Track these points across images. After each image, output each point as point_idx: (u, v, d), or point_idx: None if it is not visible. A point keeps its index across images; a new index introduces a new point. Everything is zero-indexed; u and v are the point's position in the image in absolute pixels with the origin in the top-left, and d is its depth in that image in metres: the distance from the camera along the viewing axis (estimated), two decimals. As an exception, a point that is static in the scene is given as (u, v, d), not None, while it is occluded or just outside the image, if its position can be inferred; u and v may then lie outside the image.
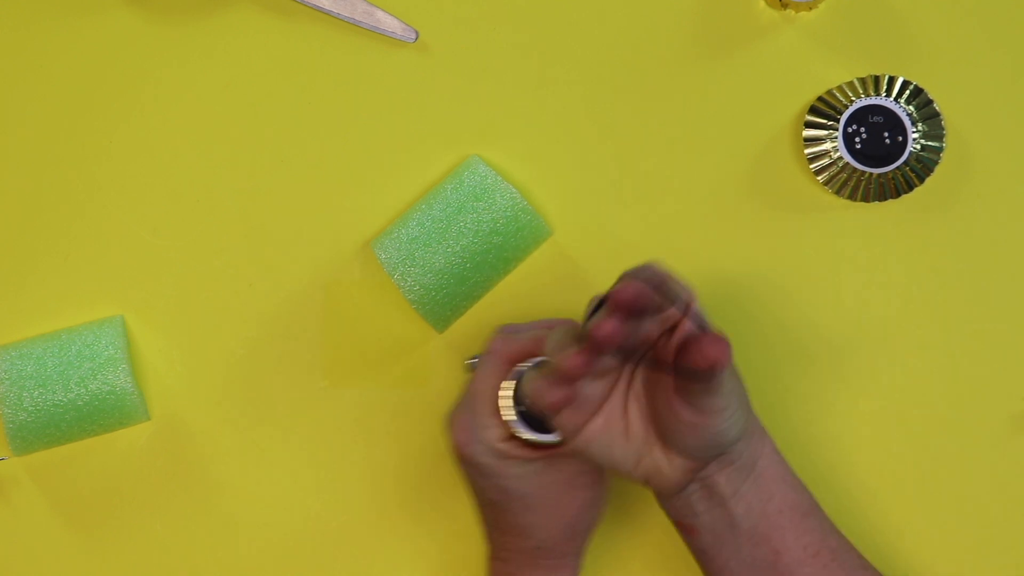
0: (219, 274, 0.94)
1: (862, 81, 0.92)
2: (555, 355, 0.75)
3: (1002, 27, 0.94)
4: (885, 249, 0.93)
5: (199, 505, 0.93)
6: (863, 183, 0.92)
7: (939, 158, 0.92)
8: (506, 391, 0.81)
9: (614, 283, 0.74)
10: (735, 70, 0.94)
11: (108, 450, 0.93)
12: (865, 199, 0.92)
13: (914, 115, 0.91)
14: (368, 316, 0.94)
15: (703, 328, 0.75)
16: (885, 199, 0.92)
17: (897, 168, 0.91)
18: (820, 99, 0.93)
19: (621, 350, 0.75)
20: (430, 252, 0.90)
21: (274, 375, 0.94)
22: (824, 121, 0.92)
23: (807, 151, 0.92)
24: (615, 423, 0.78)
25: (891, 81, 0.92)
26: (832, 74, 0.93)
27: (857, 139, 0.91)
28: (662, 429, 0.78)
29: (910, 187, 0.92)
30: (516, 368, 0.82)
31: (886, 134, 0.91)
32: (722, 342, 0.73)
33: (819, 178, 0.92)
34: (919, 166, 0.91)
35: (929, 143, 0.91)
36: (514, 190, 0.90)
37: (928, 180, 0.92)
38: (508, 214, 0.90)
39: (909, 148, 0.91)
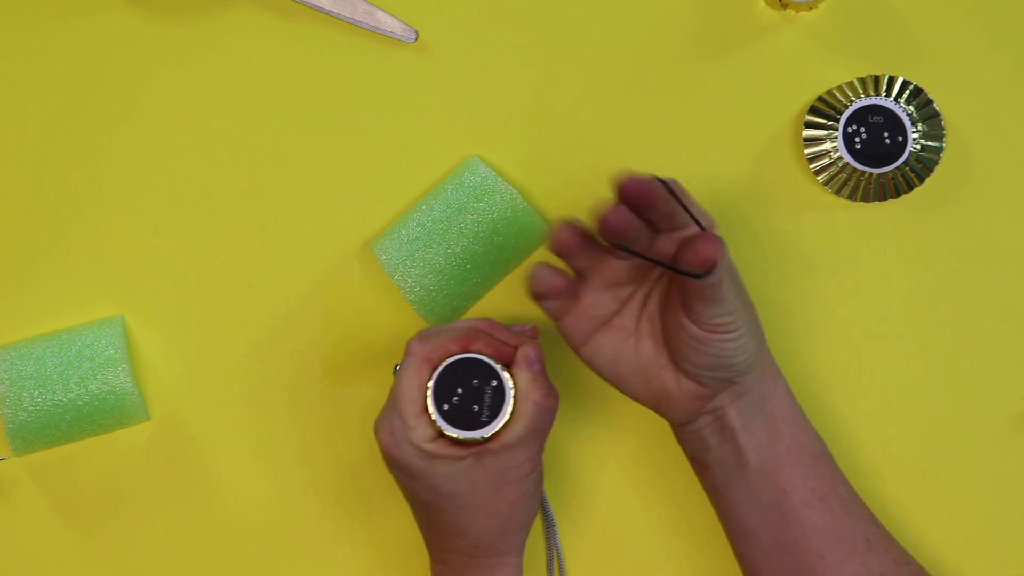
0: (219, 274, 0.94)
1: (862, 81, 0.92)
2: (557, 232, 0.80)
3: (1002, 27, 0.94)
4: (885, 249, 0.93)
5: (199, 505, 0.93)
6: (863, 183, 0.92)
7: (939, 158, 0.92)
8: (430, 391, 0.82)
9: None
10: (735, 70, 0.94)
11: (108, 450, 0.93)
12: (865, 199, 0.92)
13: (914, 115, 0.91)
14: (368, 316, 0.94)
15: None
16: (885, 199, 0.92)
17: (897, 168, 0.91)
18: (820, 99, 0.93)
19: (622, 241, 0.79)
20: (430, 252, 0.90)
21: (274, 375, 0.94)
22: (824, 121, 0.92)
23: (807, 151, 0.92)
24: (625, 340, 0.83)
25: (891, 81, 0.92)
26: (832, 74, 0.93)
27: (857, 139, 0.91)
28: (672, 346, 0.82)
29: (910, 187, 0.92)
30: (437, 369, 0.82)
31: (886, 134, 0.91)
32: (715, 240, 0.76)
33: (819, 178, 0.92)
34: (919, 166, 0.91)
35: (929, 143, 0.91)
36: (514, 190, 0.91)
37: (928, 180, 0.92)
38: (508, 214, 0.90)
39: (909, 148, 0.91)
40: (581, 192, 0.93)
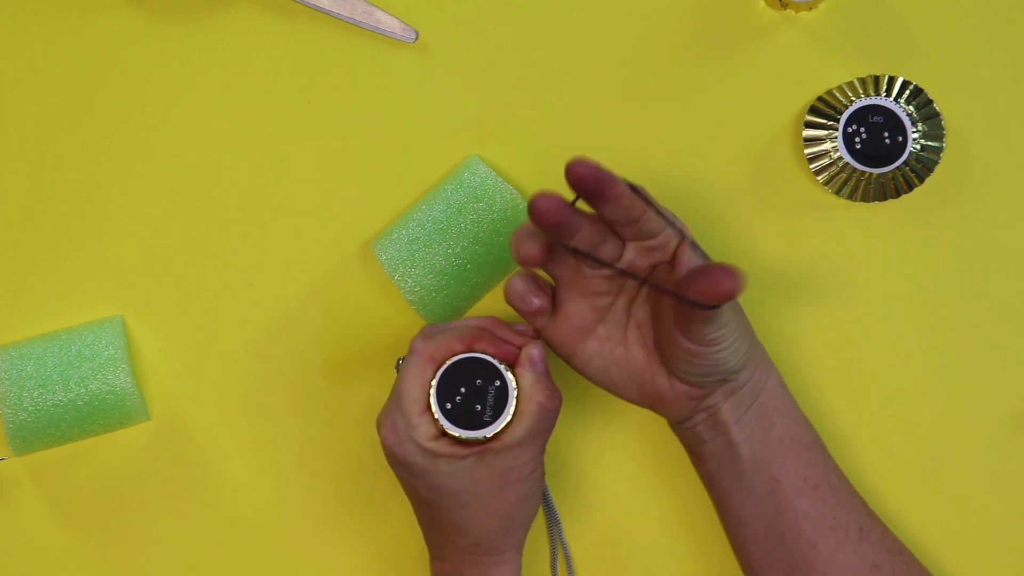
0: (219, 274, 0.94)
1: (862, 81, 0.92)
2: (517, 246, 0.81)
3: (1002, 27, 0.94)
4: (885, 249, 0.93)
5: (199, 505, 0.93)
6: (863, 183, 0.92)
7: (939, 158, 0.92)
8: (433, 390, 0.82)
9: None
10: (735, 70, 0.94)
11: (108, 450, 0.93)
12: (865, 199, 0.92)
13: (914, 115, 0.91)
14: (368, 316, 0.94)
15: (705, 258, 0.80)
16: (885, 199, 0.92)
17: (897, 168, 0.91)
18: (820, 99, 0.93)
19: (562, 233, 0.79)
20: (430, 253, 0.90)
21: (274, 375, 0.94)
22: (824, 121, 0.92)
23: (807, 151, 0.92)
24: (614, 348, 0.84)
25: (891, 81, 0.92)
26: (832, 74, 0.93)
27: (857, 139, 0.91)
28: (664, 357, 0.82)
29: (910, 187, 0.92)
30: (441, 367, 0.82)
31: (886, 134, 0.91)
32: (735, 274, 0.75)
33: (819, 178, 0.92)
34: (919, 166, 0.91)
35: (929, 143, 0.91)
36: (514, 191, 0.91)
37: (928, 180, 0.92)
38: (508, 215, 0.90)
39: (909, 148, 0.91)
40: (581, 192, 0.93)
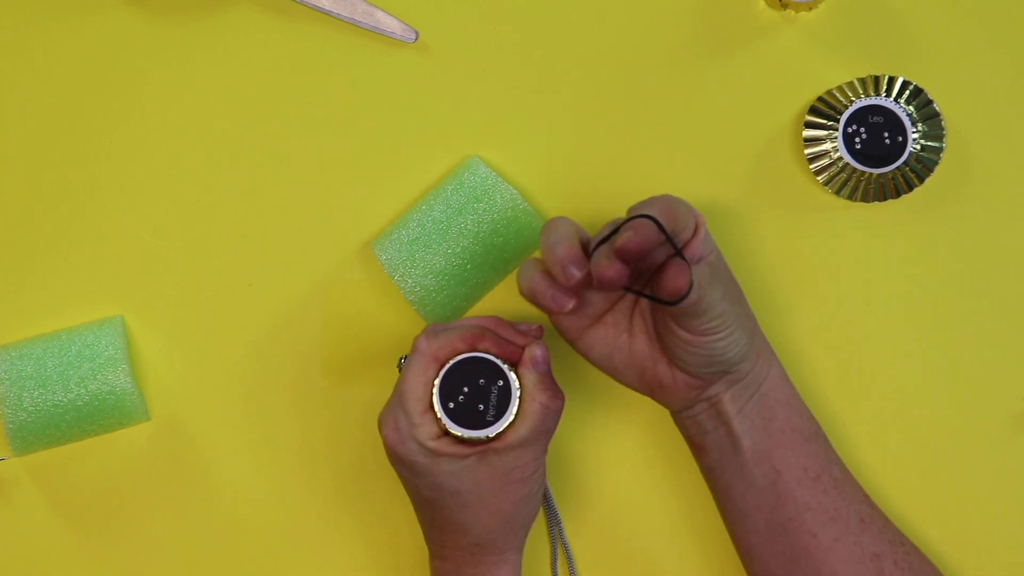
0: (219, 274, 0.94)
1: (862, 81, 0.92)
2: (563, 272, 0.80)
3: (1002, 27, 0.94)
4: (885, 249, 0.93)
5: (199, 505, 0.93)
6: (863, 183, 0.92)
7: (939, 158, 0.92)
8: (436, 389, 0.82)
9: (626, 218, 0.78)
10: (735, 70, 0.94)
11: (108, 450, 0.93)
12: (865, 199, 0.92)
13: (914, 115, 0.91)
14: (368, 316, 0.94)
15: (707, 253, 0.80)
16: (885, 199, 0.92)
17: (897, 168, 0.91)
18: (820, 99, 0.93)
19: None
20: (430, 253, 0.90)
21: (274, 375, 0.94)
22: (824, 121, 0.92)
23: (807, 151, 0.92)
24: (619, 335, 0.84)
25: (891, 81, 0.92)
26: (832, 74, 0.93)
27: (857, 139, 0.91)
28: (665, 346, 0.83)
29: (910, 187, 0.92)
30: (444, 367, 0.82)
31: (886, 134, 0.91)
32: (682, 270, 0.77)
33: (819, 178, 0.92)
34: (919, 166, 0.91)
35: (929, 143, 0.91)
36: (514, 191, 0.91)
37: (928, 180, 0.92)
38: (508, 215, 0.90)
39: (909, 148, 0.91)
40: (581, 192, 0.93)
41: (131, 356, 0.92)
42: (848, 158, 0.91)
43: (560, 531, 0.92)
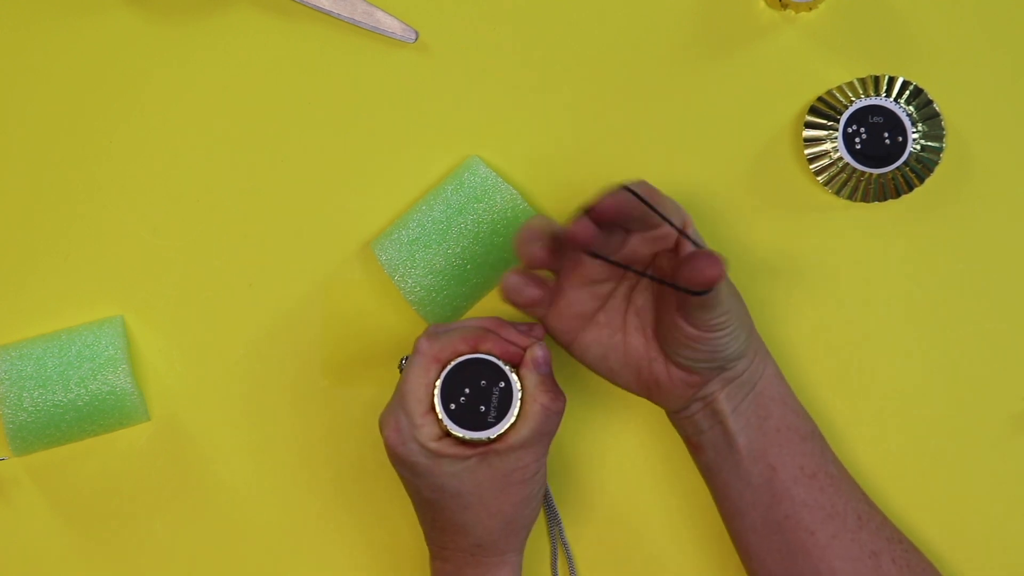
0: (219, 274, 0.94)
1: (862, 81, 0.92)
2: (523, 249, 0.80)
3: (1002, 27, 0.94)
4: (885, 249, 0.93)
5: (199, 505, 0.93)
6: (863, 183, 0.92)
7: (939, 158, 0.92)
8: (437, 390, 0.82)
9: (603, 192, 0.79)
10: (735, 70, 0.94)
11: (108, 450, 0.93)
12: (865, 199, 0.92)
13: (914, 115, 0.91)
14: (368, 316, 0.94)
15: (698, 247, 0.81)
16: (885, 199, 0.92)
17: (897, 168, 0.91)
18: (820, 99, 0.93)
19: (595, 253, 0.80)
20: (430, 253, 0.90)
21: (274, 375, 0.94)
22: (824, 121, 0.92)
23: (807, 151, 0.92)
24: (613, 335, 0.84)
25: (891, 81, 0.92)
26: (832, 74, 0.93)
27: (857, 139, 0.91)
28: (665, 342, 0.83)
29: (910, 187, 0.92)
30: (446, 368, 0.83)
31: (886, 134, 0.91)
32: (716, 259, 0.77)
33: (819, 178, 0.92)
34: (919, 166, 0.91)
35: (929, 143, 0.91)
36: (514, 191, 0.91)
37: (928, 180, 0.92)
38: (508, 215, 0.90)
39: (909, 148, 0.91)
40: (581, 192, 0.93)
41: (131, 356, 0.92)
42: (848, 158, 0.91)
43: (560, 531, 0.92)
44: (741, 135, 0.94)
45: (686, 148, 0.94)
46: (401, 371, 0.86)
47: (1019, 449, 0.92)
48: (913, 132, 0.91)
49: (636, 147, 0.94)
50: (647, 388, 0.85)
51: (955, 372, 0.92)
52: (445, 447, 0.82)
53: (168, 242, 0.94)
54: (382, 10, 0.94)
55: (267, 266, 0.94)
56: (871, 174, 0.91)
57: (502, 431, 0.82)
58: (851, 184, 0.92)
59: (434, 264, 0.90)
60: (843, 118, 0.91)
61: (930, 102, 0.92)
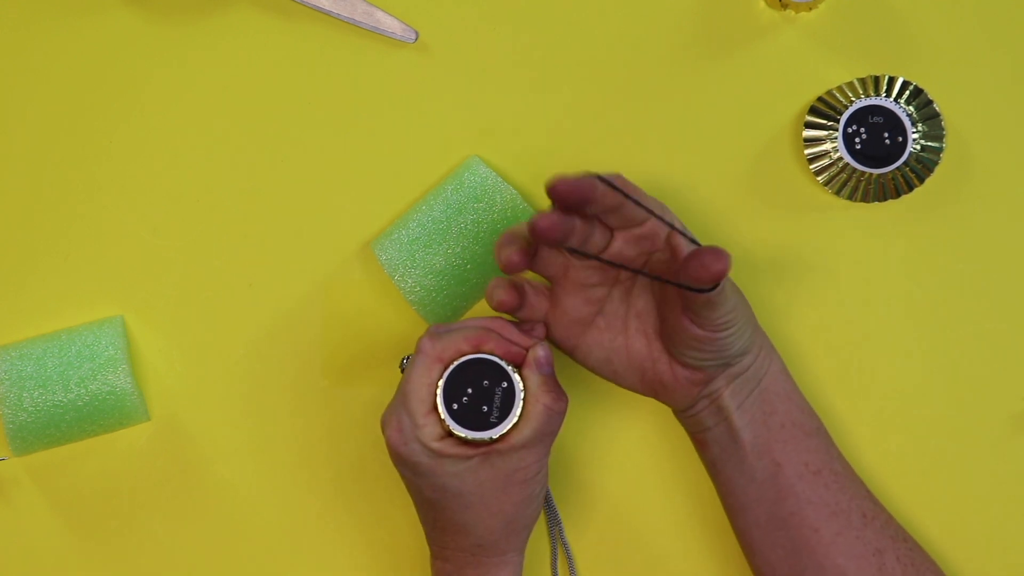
0: (219, 274, 0.94)
1: (862, 81, 0.92)
2: (498, 254, 0.82)
3: (1002, 27, 0.94)
4: (885, 249, 0.93)
5: (199, 505, 0.93)
6: (863, 183, 0.92)
7: (939, 158, 0.92)
8: (440, 390, 0.82)
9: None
10: (735, 70, 0.94)
11: (108, 450, 0.93)
12: (865, 199, 0.92)
13: (914, 115, 0.91)
14: (368, 316, 0.94)
15: (694, 242, 0.81)
16: (885, 199, 0.92)
17: (897, 168, 0.91)
18: (820, 99, 0.93)
19: (563, 243, 0.81)
20: (430, 253, 0.90)
21: (274, 375, 0.94)
22: (824, 121, 0.92)
23: (807, 151, 0.92)
24: (614, 338, 0.85)
25: (891, 81, 0.92)
26: (832, 74, 0.93)
27: (857, 139, 0.91)
28: (671, 344, 0.83)
29: (910, 187, 0.92)
30: (448, 368, 0.83)
31: (886, 134, 0.91)
32: (721, 254, 0.77)
33: (819, 178, 0.92)
34: (919, 166, 0.91)
35: (929, 143, 0.91)
36: (514, 191, 0.91)
37: (928, 180, 0.92)
38: (508, 215, 0.90)
39: (909, 148, 0.91)
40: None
41: (131, 356, 0.92)
42: (848, 158, 0.91)
43: (560, 531, 0.92)
44: (741, 135, 0.94)
45: (686, 148, 0.94)
46: (402, 371, 0.86)
47: (1019, 449, 0.92)
48: (913, 132, 0.91)
49: (636, 147, 0.94)
50: (652, 389, 0.85)
51: (955, 372, 0.92)
52: (447, 447, 0.82)
53: (168, 242, 0.94)
54: (382, 10, 0.94)
55: (267, 266, 0.94)
56: (871, 174, 0.91)
57: (504, 431, 0.82)
58: (851, 184, 0.92)
59: (434, 264, 0.90)
60: (843, 118, 0.91)
61: (930, 102, 0.92)
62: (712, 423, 0.86)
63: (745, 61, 0.94)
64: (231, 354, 0.94)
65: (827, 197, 0.93)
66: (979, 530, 0.92)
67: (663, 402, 0.86)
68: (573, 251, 0.82)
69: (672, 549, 0.93)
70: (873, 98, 0.91)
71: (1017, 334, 0.92)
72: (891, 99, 0.91)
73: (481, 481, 0.82)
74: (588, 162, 0.93)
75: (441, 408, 0.82)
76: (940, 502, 0.92)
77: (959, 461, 0.92)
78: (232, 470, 0.93)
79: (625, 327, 0.85)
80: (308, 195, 0.94)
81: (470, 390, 0.82)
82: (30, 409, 0.89)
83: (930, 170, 0.92)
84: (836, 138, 0.91)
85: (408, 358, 0.86)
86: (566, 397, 0.83)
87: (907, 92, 0.92)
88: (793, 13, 0.94)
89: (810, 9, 0.93)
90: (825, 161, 0.92)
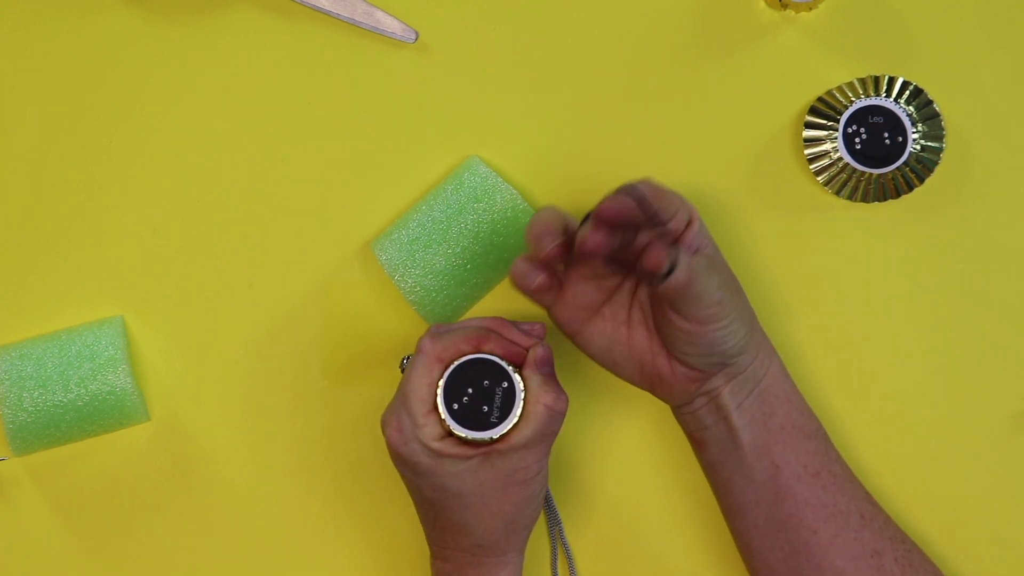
0: (219, 274, 0.94)
1: (862, 81, 0.92)
2: (538, 244, 0.81)
3: (1002, 27, 0.94)
4: (885, 249, 0.93)
5: (199, 505, 0.93)
6: (863, 183, 0.92)
7: (939, 158, 0.92)
8: (440, 390, 0.82)
9: (606, 196, 0.79)
10: (735, 70, 0.94)
11: (108, 450, 0.93)
12: (865, 199, 0.92)
13: (914, 115, 0.91)
14: (368, 316, 0.94)
15: (703, 245, 0.82)
16: (885, 199, 0.92)
17: (897, 168, 0.91)
18: (820, 99, 0.93)
19: (610, 259, 0.82)
20: (430, 253, 0.90)
21: (274, 375, 0.94)
22: (824, 121, 0.92)
23: (807, 151, 0.92)
24: (617, 328, 0.85)
25: (891, 81, 0.92)
26: (832, 74, 0.93)
27: (857, 139, 0.91)
28: (663, 336, 0.83)
29: (910, 187, 0.92)
30: (448, 368, 0.83)
31: (886, 134, 0.91)
32: (658, 250, 0.78)
33: (819, 178, 0.92)
34: (919, 166, 0.91)
35: (929, 143, 0.91)
36: (514, 191, 0.91)
37: (928, 180, 0.92)
38: (508, 215, 0.90)
39: (909, 148, 0.91)
40: (581, 192, 0.93)
41: (131, 356, 0.92)
42: (848, 158, 0.91)
43: (560, 531, 0.92)
44: (741, 135, 0.94)
45: (686, 148, 0.94)
46: (403, 371, 0.86)
47: (1019, 449, 0.92)
48: (913, 132, 0.91)
49: (636, 147, 0.94)
50: (650, 382, 0.85)
51: (955, 372, 0.92)
52: (447, 447, 0.82)
53: (168, 242, 0.94)
54: (382, 10, 0.94)
55: (267, 266, 0.94)
56: (871, 174, 0.91)
57: (505, 431, 0.82)
58: (851, 184, 0.92)
59: (434, 264, 0.90)
60: (843, 118, 0.91)
61: (930, 102, 0.92)
62: (711, 422, 0.86)
63: (745, 61, 0.94)
64: (231, 354, 0.94)
65: (827, 197, 0.93)
66: (979, 530, 0.92)
67: (660, 397, 0.86)
68: (608, 262, 0.82)
69: (672, 549, 0.93)
70: (873, 98, 0.91)
71: (1017, 334, 0.92)
72: (891, 99, 0.91)
73: (481, 481, 0.83)
74: (588, 162, 0.93)
75: (441, 408, 0.82)
76: (940, 502, 0.92)
77: (959, 461, 0.92)
78: (232, 470, 0.93)
79: (629, 319, 0.85)
80: (308, 195, 0.94)
81: (470, 390, 0.82)
82: (30, 409, 0.89)
83: (930, 170, 0.92)
84: (836, 138, 0.91)
85: (408, 358, 0.86)
86: (566, 397, 0.83)
87: (907, 92, 0.92)
88: (793, 13, 0.94)
89: (810, 9, 0.93)
90: (825, 161, 0.92)
